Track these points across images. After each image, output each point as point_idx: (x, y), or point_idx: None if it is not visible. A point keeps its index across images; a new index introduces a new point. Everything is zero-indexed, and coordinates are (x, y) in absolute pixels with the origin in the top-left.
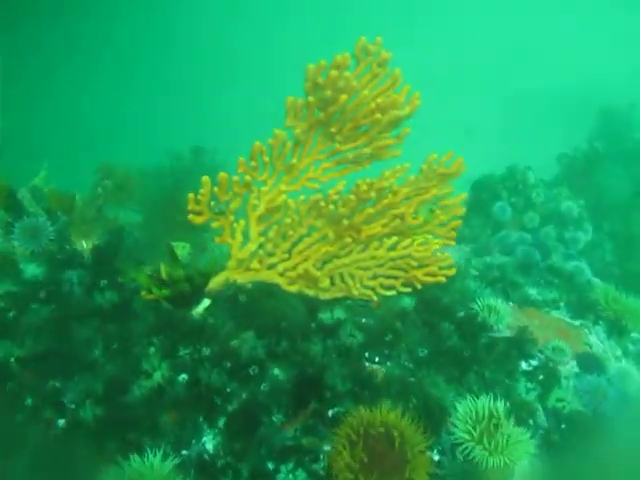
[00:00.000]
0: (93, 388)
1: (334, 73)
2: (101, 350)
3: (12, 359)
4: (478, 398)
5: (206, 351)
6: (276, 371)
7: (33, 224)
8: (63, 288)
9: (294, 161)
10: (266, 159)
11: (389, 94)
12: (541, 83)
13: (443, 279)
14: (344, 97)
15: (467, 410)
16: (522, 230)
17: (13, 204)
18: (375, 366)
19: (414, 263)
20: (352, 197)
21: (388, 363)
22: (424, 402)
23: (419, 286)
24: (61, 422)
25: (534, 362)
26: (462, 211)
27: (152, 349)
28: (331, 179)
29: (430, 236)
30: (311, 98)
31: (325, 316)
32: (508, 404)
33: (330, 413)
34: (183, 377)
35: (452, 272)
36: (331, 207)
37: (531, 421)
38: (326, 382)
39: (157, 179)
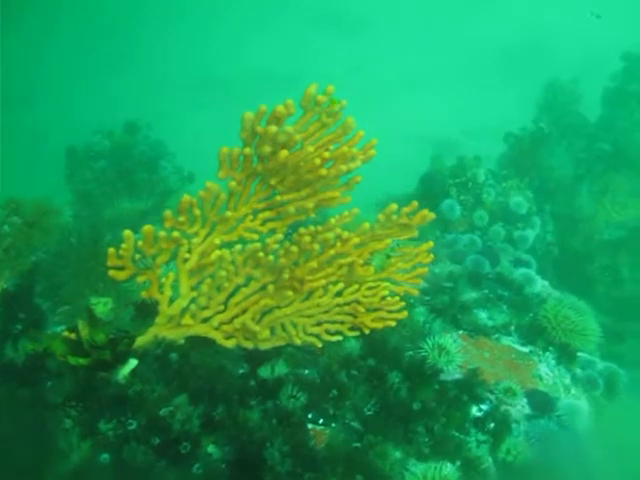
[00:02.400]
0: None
1: (273, 129)
2: (9, 423)
3: None
4: (427, 463)
5: (132, 424)
6: (210, 448)
7: None
8: None
9: (229, 213)
10: (197, 212)
11: (339, 144)
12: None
13: (393, 323)
14: (284, 153)
15: None
16: (471, 228)
17: None
18: (319, 428)
19: (362, 309)
20: (294, 248)
21: (333, 425)
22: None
23: (367, 331)
24: None
25: (484, 406)
26: (430, 259)
27: (68, 422)
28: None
29: (384, 282)
30: (248, 149)
31: (265, 372)
32: (459, 463)
33: None
34: (104, 457)
35: (404, 315)
36: (270, 258)
37: None
38: (265, 460)
39: (87, 160)
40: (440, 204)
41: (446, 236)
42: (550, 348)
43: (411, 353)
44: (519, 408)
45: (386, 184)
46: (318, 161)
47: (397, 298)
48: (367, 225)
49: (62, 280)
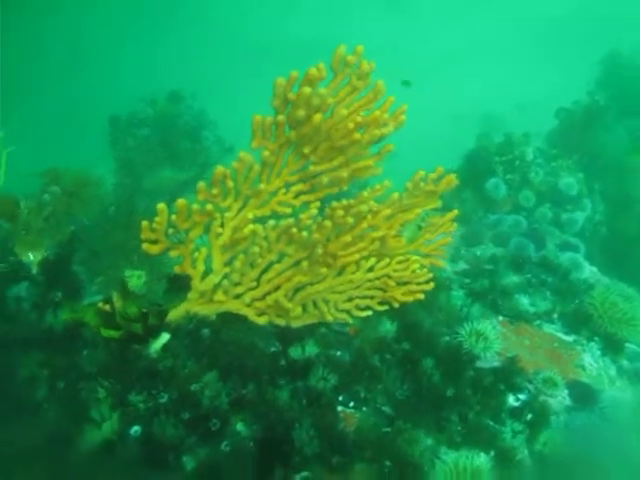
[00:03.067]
0: (29, 439)
1: (307, 90)
2: (46, 389)
3: None
4: (459, 452)
5: (162, 398)
6: (239, 426)
7: None
8: (9, 306)
9: (262, 186)
10: (230, 184)
11: (370, 110)
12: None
13: (422, 296)
14: (318, 117)
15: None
16: (517, 209)
17: None
18: (349, 411)
19: (392, 283)
20: (327, 223)
21: (363, 408)
22: (399, 467)
23: (397, 305)
24: None
25: (522, 396)
26: (453, 228)
27: (101, 392)
28: (304, 202)
29: (414, 256)
30: (281, 117)
31: (296, 352)
32: (492, 453)
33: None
34: (136, 430)
35: (430, 286)
36: (304, 234)
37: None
38: (293, 441)
39: (130, 128)
40: (485, 182)
41: (489, 216)
42: (595, 338)
43: (447, 338)
44: (559, 399)
45: (429, 163)
46: (352, 125)
47: (426, 270)
48: (396, 195)
49: (99, 250)
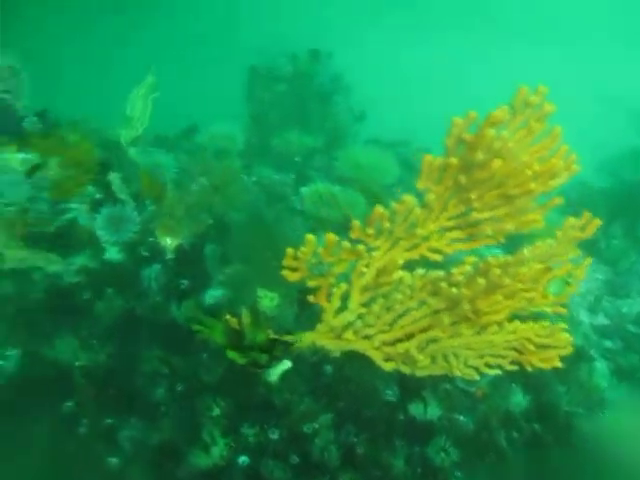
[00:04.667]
0: (148, 439)
1: (490, 133)
2: (165, 389)
3: (77, 363)
4: None
5: (274, 434)
6: None
7: (119, 214)
8: (141, 284)
9: (420, 231)
10: (387, 226)
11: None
12: None
13: (559, 365)
14: (498, 162)
15: None
16: None
17: (103, 181)
18: None
19: (531, 346)
20: (480, 281)
21: None
22: None
23: (530, 369)
24: (113, 461)
25: None
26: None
27: (216, 410)
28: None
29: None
30: (454, 159)
31: (417, 410)
32: None
33: None
34: (244, 460)
35: (569, 351)
36: (453, 290)
37: None
38: None
39: (268, 82)
40: None
41: None
42: None
43: (588, 426)
44: None
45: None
46: (529, 173)
47: (568, 336)
48: (547, 246)
49: (232, 253)
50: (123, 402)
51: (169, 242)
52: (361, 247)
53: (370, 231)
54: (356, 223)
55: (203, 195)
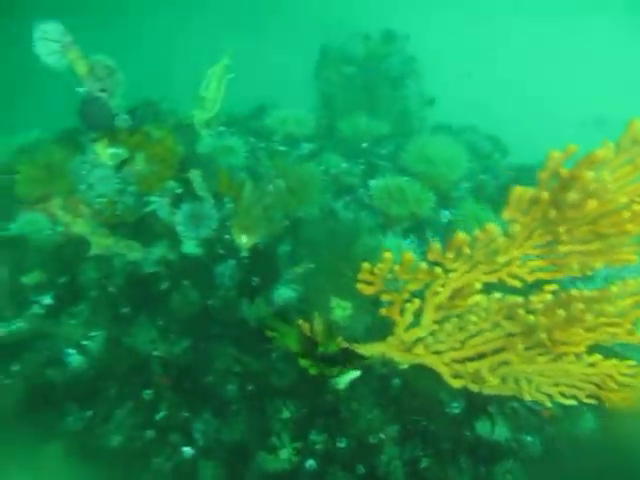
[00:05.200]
0: (219, 435)
1: (588, 175)
2: (236, 387)
3: (155, 353)
4: None
5: (341, 442)
6: None
7: (198, 211)
8: (215, 279)
9: (500, 259)
10: (467, 252)
11: None
12: None
13: None
14: (594, 204)
15: None
16: None
17: (184, 177)
18: None
19: (613, 384)
20: (560, 313)
21: None
22: None
23: (608, 405)
24: (187, 450)
25: None
26: None
27: (285, 413)
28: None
29: None
30: (545, 194)
31: (483, 428)
32: None
33: None
34: (311, 464)
35: None
36: (530, 318)
37: None
38: None
39: (338, 62)
40: None
41: None
42: None
43: None
44: None
45: None
46: (627, 215)
47: None
48: (635, 282)
49: (305, 256)
50: (197, 396)
51: (244, 240)
52: (438, 270)
53: (450, 255)
54: (435, 245)
55: (280, 197)
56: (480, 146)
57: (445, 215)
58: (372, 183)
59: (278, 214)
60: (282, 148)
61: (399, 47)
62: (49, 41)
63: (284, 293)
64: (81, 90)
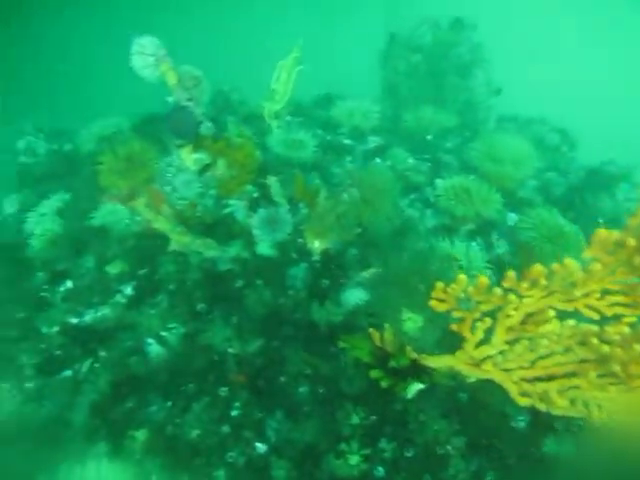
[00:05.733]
0: (291, 435)
1: None
2: (308, 390)
3: (230, 350)
4: None
5: (409, 452)
6: None
7: (274, 216)
8: (287, 282)
9: (577, 293)
10: (543, 282)
11: None
12: None
13: None
14: None
15: None
16: None
17: (261, 182)
18: None
19: None
20: (637, 348)
21: None
22: None
23: None
24: (260, 447)
25: None
26: None
27: (355, 419)
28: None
29: None
30: (632, 241)
31: (550, 446)
32: None
33: None
34: (379, 471)
35: None
36: (604, 348)
37: None
38: None
39: (405, 51)
40: None
41: None
42: None
43: None
44: None
45: None
46: None
47: None
48: None
49: (375, 263)
50: (270, 395)
51: (317, 245)
52: (512, 297)
53: (525, 285)
54: (510, 274)
55: (353, 206)
56: (547, 138)
57: (512, 218)
58: (438, 182)
59: (351, 222)
60: (348, 142)
61: (467, 35)
62: (145, 55)
63: (353, 296)
64: (170, 99)
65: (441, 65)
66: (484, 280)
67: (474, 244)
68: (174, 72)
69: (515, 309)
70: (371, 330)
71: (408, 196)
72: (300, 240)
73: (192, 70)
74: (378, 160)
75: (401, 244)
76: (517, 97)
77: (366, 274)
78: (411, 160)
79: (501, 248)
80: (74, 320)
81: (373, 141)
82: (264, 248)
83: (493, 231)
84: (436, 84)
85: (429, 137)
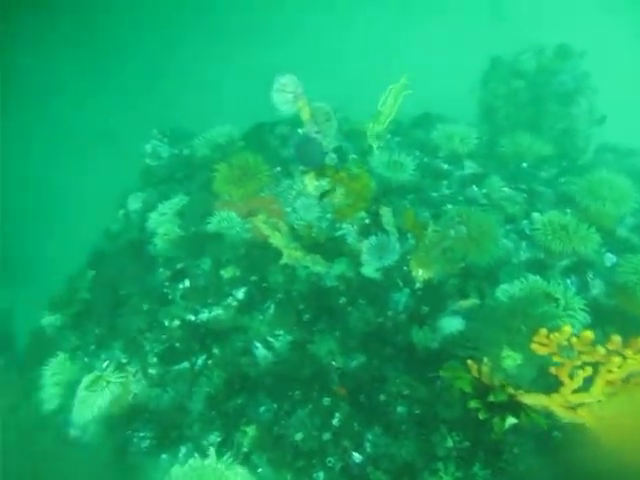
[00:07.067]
0: (388, 450)
1: None
2: (406, 410)
3: (334, 363)
4: None
5: None
6: None
7: (384, 244)
8: (389, 305)
9: None
10: None
11: None
12: None
13: None
14: None
15: None
16: None
17: (373, 210)
18: None
19: None
20: None
21: None
22: None
23: None
24: (357, 457)
25: None
26: None
27: (449, 442)
28: None
29: None
30: None
31: None
32: None
33: None
34: None
35: None
36: None
37: None
38: None
39: (507, 75)
40: None
41: None
42: None
43: None
44: None
45: None
46: None
47: None
48: None
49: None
50: (370, 410)
51: (420, 273)
52: (616, 359)
53: (629, 352)
54: (616, 339)
55: (460, 242)
56: None
57: (609, 258)
58: (536, 216)
59: (456, 256)
60: (445, 166)
61: (573, 63)
62: (285, 92)
63: (449, 324)
64: (300, 131)
65: (542, 92)
66: (588, 335)
67: (569, 282)
68: (308, 108)
69: (619, 367)
70: (469, 362)
71: (504, 226)
72: (405, 268)
73: (324, 106)
74: (475, 188)
75: (497, 276)
76: (620, 127)
77: (463, 304)
78: (507, 189)
79: (597, 288)
80: (191, 317)
81: (469, 167)
82: (369, 270)
83: (589, 270)
84: (534, 111)
85: (524, 164)
